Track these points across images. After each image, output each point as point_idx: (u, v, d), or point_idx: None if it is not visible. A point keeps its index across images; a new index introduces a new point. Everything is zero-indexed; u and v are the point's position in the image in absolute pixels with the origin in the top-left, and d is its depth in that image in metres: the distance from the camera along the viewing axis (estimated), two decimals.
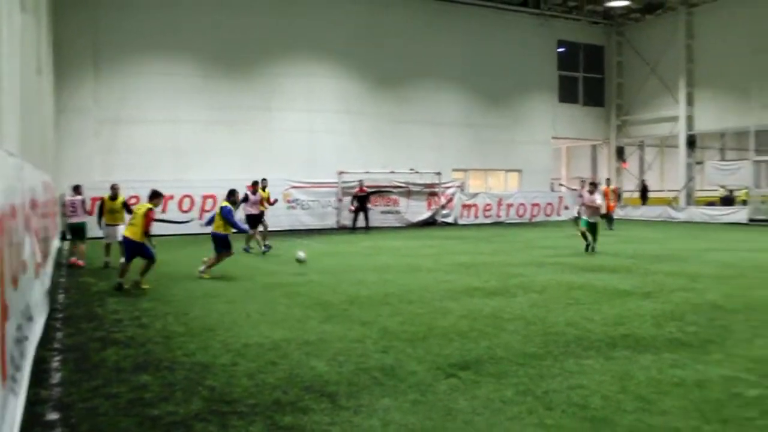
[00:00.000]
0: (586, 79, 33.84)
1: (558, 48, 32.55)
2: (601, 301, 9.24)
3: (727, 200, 31.37)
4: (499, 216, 28.70)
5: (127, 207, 13.65)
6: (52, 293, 9.93)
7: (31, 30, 9.88)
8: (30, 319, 6.06)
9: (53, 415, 4.83)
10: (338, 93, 26.40)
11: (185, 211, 21.57)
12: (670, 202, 31.34)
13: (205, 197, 22.21)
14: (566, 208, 29.07)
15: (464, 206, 27.97)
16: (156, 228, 11.30)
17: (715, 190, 33.18)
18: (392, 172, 26.05)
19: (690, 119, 30.61)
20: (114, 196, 13.84)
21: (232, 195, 12.88)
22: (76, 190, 14.70)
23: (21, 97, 7.18)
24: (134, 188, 19.60)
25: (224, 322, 8.02)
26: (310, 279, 11.62)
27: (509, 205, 29.02)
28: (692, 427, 4.46)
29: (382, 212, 25.75)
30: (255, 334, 7.32)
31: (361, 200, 23.50)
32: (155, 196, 11.03)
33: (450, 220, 27.53)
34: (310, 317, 8.26)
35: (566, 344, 6.71)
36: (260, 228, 16.62)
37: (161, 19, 22.97)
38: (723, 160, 35.97)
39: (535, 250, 16.51)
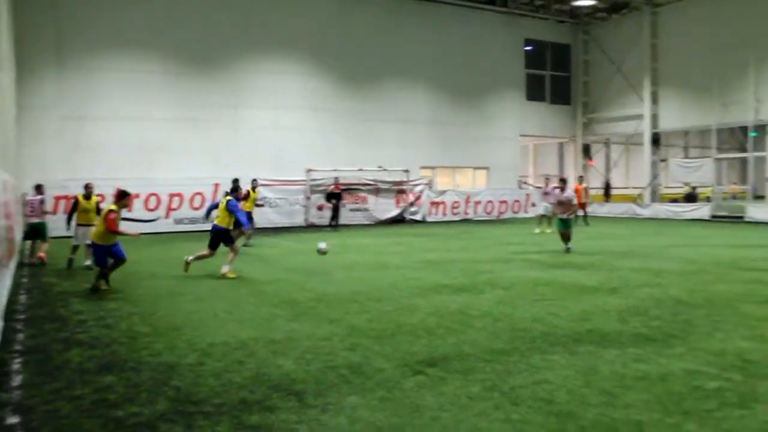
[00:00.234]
0: (553, 78, 34.21)
1: (525, 46, 32.82)
2: (568, 297, 9.35)
3: (691, 197, 32.04)
4: (467, 213, 28.83)
5: (98, 208, 13.30)
6: (12, 294, 9.73)
7: None
8: None
9: (13, 419, 4.74)
10: (306, 90, 26.26)
11: (151, 210, 21.35)
12: (635, 199, 31.84)
13: (172, 196, 21.96)
14: (533, 205, 29.31)
15: (432, 204, 28.03)
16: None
17: (679, 187, 33.85)
18: (360, 170, 26.01)
19: (654, 117, 31.11)
20: (88, 196, 13.43)
21: (235, 190, 12.81)
22: (38, 189, 14.41)
23: None
24: (99, 187, 19.07)
25: (191, 321, 7.94)
26: (278, 277, 11.57)
27: (477, 203, 29.15)
28: (654, 419, 4.55)
29: (351, 210, 25.70)
30: (222, 333, 7.27)
31: (337, 197, 23.53)
32: (122, 196, 10.49)
33: (418, 217, 27.57)
34: (278, 315, 8.23)
35: (532, 340, 6.78)
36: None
37: (126, 15, 22.60)
38: (686, 157, 36.77)
39: (503, 247, 16.64)
